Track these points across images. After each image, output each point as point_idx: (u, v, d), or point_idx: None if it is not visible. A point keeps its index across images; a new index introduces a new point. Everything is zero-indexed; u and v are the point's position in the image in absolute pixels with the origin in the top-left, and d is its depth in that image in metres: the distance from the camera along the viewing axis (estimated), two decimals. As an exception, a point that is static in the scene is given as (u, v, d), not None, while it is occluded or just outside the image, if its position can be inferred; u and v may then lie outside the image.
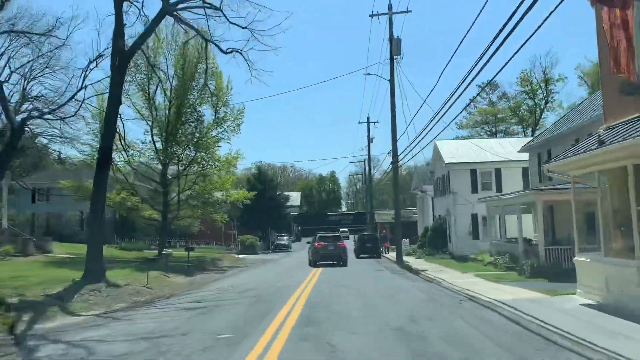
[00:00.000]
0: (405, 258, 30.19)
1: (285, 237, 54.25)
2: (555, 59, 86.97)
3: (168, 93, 32.61)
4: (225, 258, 36.44)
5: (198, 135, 32.46)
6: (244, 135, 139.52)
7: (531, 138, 30.50)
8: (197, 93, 32.92)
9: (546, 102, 57.82)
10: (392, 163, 30.77)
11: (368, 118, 52.04)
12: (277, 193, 56.18)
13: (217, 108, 33.51)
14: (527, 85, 58.24)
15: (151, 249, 37.23)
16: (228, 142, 29.88)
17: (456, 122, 57.16)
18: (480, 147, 32.26)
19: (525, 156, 29.21)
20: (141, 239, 39.98)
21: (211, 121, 33.38)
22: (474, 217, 30.43)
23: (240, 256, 39.60)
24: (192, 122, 32.91)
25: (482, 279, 18.47)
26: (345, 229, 77.62)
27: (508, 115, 58.13)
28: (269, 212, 52.02)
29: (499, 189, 30.28)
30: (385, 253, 37.38)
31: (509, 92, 60.66)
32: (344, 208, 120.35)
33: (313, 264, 26.49)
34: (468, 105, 56.55)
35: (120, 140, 25.41)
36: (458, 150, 32.16)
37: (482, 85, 56.99)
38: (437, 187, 34.43)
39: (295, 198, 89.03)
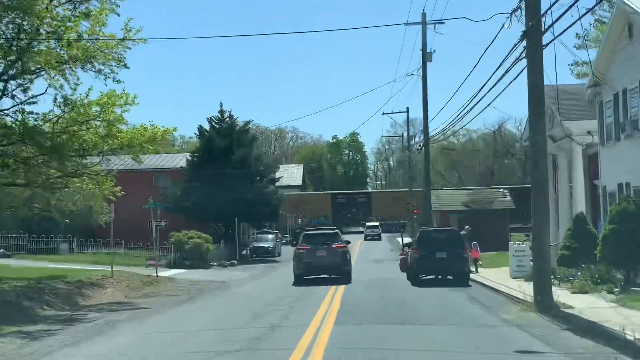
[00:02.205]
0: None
1: (269, 237, 46.29)
2: None
3: None
4: (117, 282, 24.22)
5: None
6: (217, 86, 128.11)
7: None
8: None
9: None
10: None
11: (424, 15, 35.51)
12: (256, 155, 45.13)
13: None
14: None
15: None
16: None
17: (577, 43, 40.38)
18: None
19: None
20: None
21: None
22: None
23: (170, 273, 30.24)
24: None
25: None
26: (375, 223, 67.56)
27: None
28: (239, 190, 41.13)
29: None
30: (472, 270, 25.65)
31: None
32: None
33: (297, 280, 24.20)
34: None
35: None
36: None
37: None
38: (622, 119, 18.50)
39: (293, 175, 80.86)
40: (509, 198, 47.94)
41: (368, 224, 67.25)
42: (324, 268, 24.57)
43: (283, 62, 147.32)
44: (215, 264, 36.50)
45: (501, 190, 50.83)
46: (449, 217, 46.35)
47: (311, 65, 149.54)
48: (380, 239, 62.47)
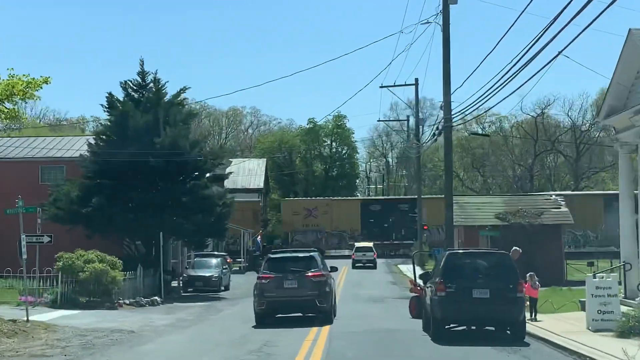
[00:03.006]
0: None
1: (212, 262, 46.12)
2: None
3: None
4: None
5: None
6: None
7: None
8: None
9: None
10: None
11: None
12: (194, 139, 43.44)
13: None
14: None
15: None
16: None
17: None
18: None
19: None
20: None
21: None
22: None
23: (52, 316, 28.99)
24: None
25: None
26: (368, 244, 66.81)
27: None
28: (167, 190, 40.66)
29: None
30: (528, 316, 23.98)
31: None
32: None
33: (259, 320, 25.58)
34: None
35: None
36: None
37: None
38: None
39: (252, 172, 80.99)
40: (564, 209, 46.16)
41: (358, 244, 66.21)
42: (294, 304, 25.56)
43: (240, 20, 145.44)
44: (128, 301, 34.86)
45: (552, 197, 49.22)
46: (477, 235, 44.92)
47: (280, 26, 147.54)
48: (375, 267, 61.68)
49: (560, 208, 46.37)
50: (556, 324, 23.26)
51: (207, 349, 19.75)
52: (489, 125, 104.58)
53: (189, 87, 43.43)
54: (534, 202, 47.88)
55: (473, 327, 22.32)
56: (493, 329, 21.95)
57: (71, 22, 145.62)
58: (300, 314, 25.99)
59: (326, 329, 23.06)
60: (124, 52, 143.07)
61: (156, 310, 33.56)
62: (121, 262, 34.75)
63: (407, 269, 61.36)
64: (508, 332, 21.26)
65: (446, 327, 21.37)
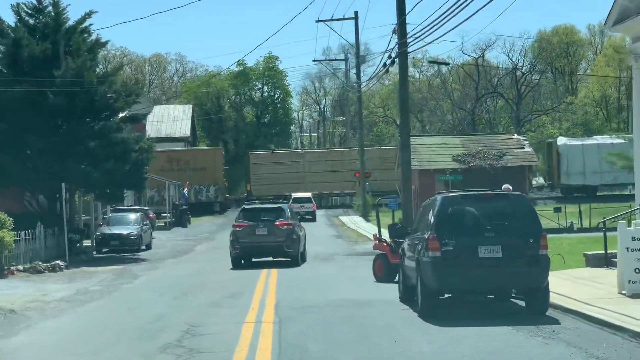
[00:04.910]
0: None
1: (130, 217, 43.02)
2: None
3: None
4: None
5: None
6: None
7: None
8: None
9: None
10: None
11: None
12: (102, 73, 39.45)
13: None
14: None
15: None
16: None
17: None
18: None
19: None
20: None
21: None
22: None
23: None
24: None
25: None
26: (306, 194, 65.24)
27: None
28: (72, 134, 36.30)
29: None
30: None
31: None
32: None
33: (235, 263, 30.20)
34: None
35: None
36: None
37: None
38: None
39: (177, 119, 77.18)
40: (529, 149, 44.79)
41: (295, 195, 62.90)
42: (264, 249, 30.10)
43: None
44: (22, 267, 30.10)
45: (515, 136, 47.59)
46: (433, 180, 43.87)
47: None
48: (314, 219, 58.26)
49: (524, 148, 44.90)
50: (572, 287, 18.39)
51: (103, 343, 13.92)
52: (427, 69, 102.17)
53: (96, 12, 37.39)
54: (494, 143, 46.48)
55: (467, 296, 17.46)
56: (493, 297, 17.13)
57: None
58: (270, 258, 29.70)
59: (271, 304, 17.56)
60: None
61: (56, 277, 28.54)
62: (11, 219, 29.49)
63: (349, 220, 58.14)
64: (522, 303, 16.15)
65: (440, 297, 16.18)
